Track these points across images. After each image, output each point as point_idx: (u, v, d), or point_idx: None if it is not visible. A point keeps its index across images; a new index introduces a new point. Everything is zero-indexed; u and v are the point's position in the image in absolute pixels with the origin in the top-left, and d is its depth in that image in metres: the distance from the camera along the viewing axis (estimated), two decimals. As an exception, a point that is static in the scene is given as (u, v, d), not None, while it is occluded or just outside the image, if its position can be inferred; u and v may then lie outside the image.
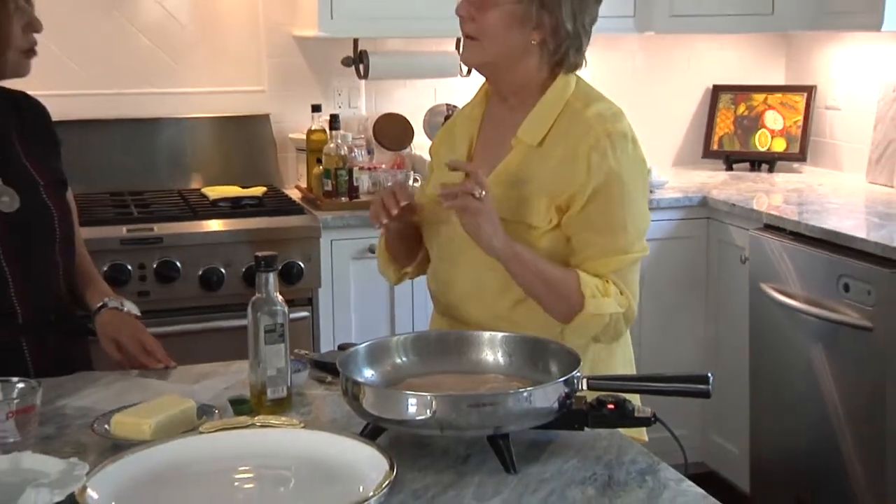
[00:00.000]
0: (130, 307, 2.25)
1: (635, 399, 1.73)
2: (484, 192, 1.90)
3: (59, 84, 3.64)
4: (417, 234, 2.19)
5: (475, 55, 2.08)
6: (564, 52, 2.04)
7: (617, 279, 2.00)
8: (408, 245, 2.20)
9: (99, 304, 2.24)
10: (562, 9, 1.99)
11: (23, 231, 2.13)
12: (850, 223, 3.37)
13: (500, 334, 1.84)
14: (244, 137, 4.04)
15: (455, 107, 4.04)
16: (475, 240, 1.95)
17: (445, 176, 2.16)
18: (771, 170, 4.42)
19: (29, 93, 2.29)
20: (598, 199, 1.99)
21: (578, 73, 2.12)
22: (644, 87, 4.46)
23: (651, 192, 2.10)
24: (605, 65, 4.24)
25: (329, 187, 3.69)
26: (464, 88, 4.10)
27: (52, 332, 2.20)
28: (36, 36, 2.11)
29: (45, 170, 2.22)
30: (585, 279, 1.97)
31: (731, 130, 4.53)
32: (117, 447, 1.62)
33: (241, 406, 1.84)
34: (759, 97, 4.51)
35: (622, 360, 2.14)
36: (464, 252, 2.06)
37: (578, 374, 1.64)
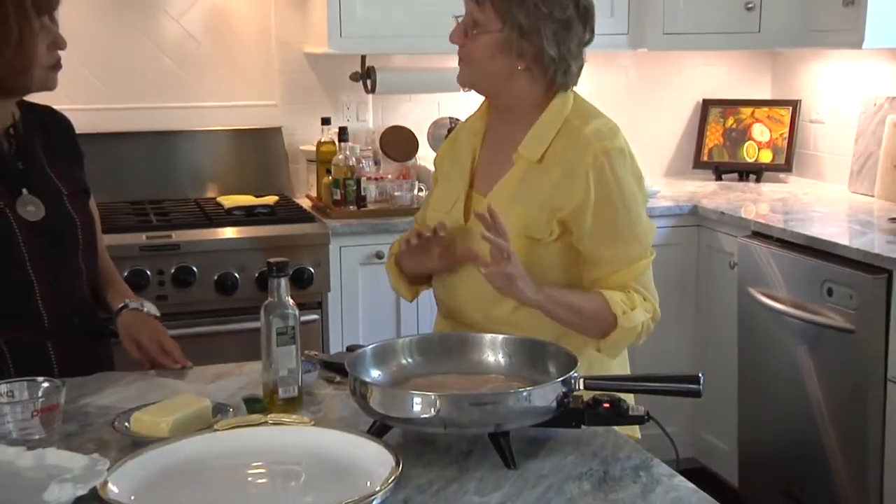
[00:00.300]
0: (150, 308, 2.25)
1: (629, 398, 1.72)
2: (512, 256, 1.89)
3: (84, 99, 3.65)
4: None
5: (465, 77, 2.09)
6: (552, 75, 2.03)
7: (637, 286, 2.02)
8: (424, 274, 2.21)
9: (120, 306, 2.24)
10: (542, 37, 1.98)
11: (48, 238, 2.13)
12: (834, 230, 3.37)
13: (500, 336, 1.84)
14: (257, 149, 4.04)
15: (458, 119, 4.05)
16: (509, 296, 1.95)
17: (448, 186, 2.16)
18: (758, 180, 4.42)
19: (56, 107, 2.29)
20: (603, 215, 1.99)
21: (575, 88, 2.11)
22: (637, 101, 4.46)
23: (646, 201, 2.10)
24: (600, 80, 4.25)
25: (338, 196, 3.69)
26: (466, 102, 4.09)
27: (76, 335, 2.20)
28: (61, 53, 2.11)
29: (68, 180, 2.22)
30: (612, 298, 1.97)
31: (720, 142, 4.53)
32: (137, 444, 1.63)
33: (254, 405, 1.84)
34: (747, 111, 4.51)
35: (618, 361, 2.14)
36: (464, 261, 2.07)
37: (575, 374, 1.64)
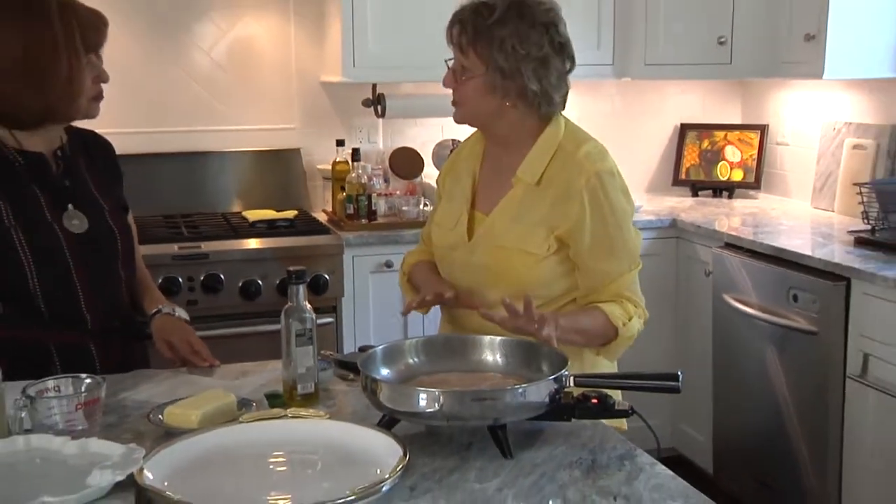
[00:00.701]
0: (181, 313, 2.25)
1: (615, 394, 1.72)
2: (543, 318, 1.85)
3: (124, 123, 3.64)
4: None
5: (460, 117, 2.08)
6: (537, 106, 2.02)
7: (630, 293, 2.02)
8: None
9: (154, 311, 2.24)
10: (523, 76, 1.97)
11: (90, 249, 2.13)
12: (798, 242, 3.37)
13: (498, 338, 1.84)
14: (278, 168, 4.04)
15: (459, 141, 4.03)
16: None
17: (451, 205, 2.15)
18: (730, 196, 4.42)
19: (99, 131, 2.29)
20: (598, 233, 1.98)
21: (566, 114, 2.10)
22: (622, 125, 4.46)
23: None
24: (588, 106, 4.26)
25: (351, 211, 3.69)
26: (466, 126, 4.11)
27: (116, 336, 2.19)
28: (103, 85, 2.12)
29: (109, 197, 2.22)
30: (612, 313, 1.97)
31: (696, 162, 4.52)
32: (169, 434, 1.62)
33: (275, 400, 1.84)
34: (720, 134, 4.51)
35: (605, 361, 2.13)
36: (468, 274, 2.07)
37: (566, 372, 1.64)
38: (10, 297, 2.07)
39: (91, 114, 2.12)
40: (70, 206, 2.12)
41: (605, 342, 2.00)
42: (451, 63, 2.06)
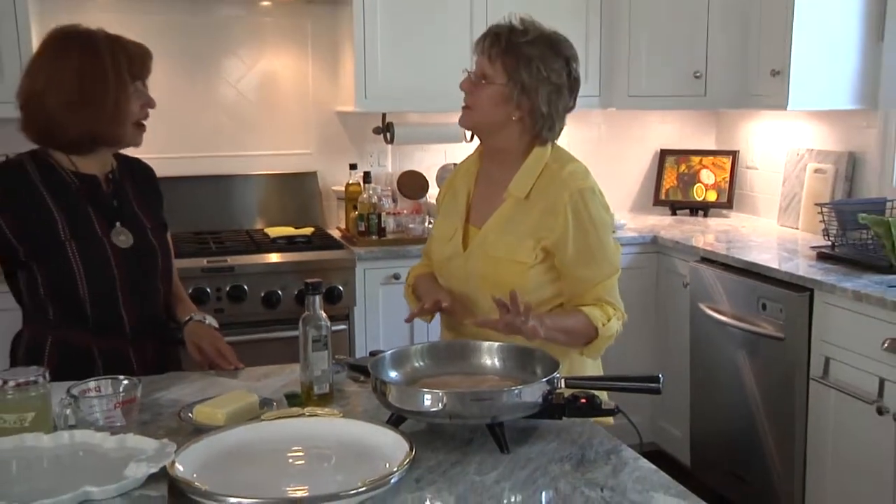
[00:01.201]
0: (211, 321, 2.26)
1: (602, 394, 1.71)
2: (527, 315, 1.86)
3: (158, 149, 3.58)
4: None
5: (466, 120, 2.08)
6: (539, 128, 2.03)
7: (610, 298, 2.02)
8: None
9: (187, 318, 2.24)
10: (538, 96, 1.98)
11: (134, 262, 2.14)
12: (767, 256, 3.36)
13: (496, 344, 1.83)
14: (297, 189, 4.05)
15: (460, 166, 4.05)
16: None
17: (448, 220, 2.15)
18: (706, 215, 4.42)
19: (139, 156, 2.31)
20: (580, 243, 1.99)
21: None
22: (607, 151, 4.46)
23: (614, 231, 2.10)
24: (577, 133, 4.27)
25: (363, 228, 3.69)
26: (467, 151, 4.10)
27: (152, 341, 2.20)
28: (150, 110, 2.15)
29: (151, 216, 2.23)
30: (592, 314, 1.98)
31: (674, 184, 4.52)
32: (198, 431, 1.62)
33: (293, 399, 1.84)
34: (696, 159, 4.51)
35: (592, 364, 2.13)
36: (464, 282, 2.07)
37: (558, 375, 1.63)
38: (62, 303, 2.09)
39: (135, 142, 2.14)
40: (117, 223, 2.14)
41: (587, 342, 2.00)
42: (470, 71, 2.05)
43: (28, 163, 2.09)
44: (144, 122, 2.13)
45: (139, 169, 2.29)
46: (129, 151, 2.22)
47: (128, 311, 2.12)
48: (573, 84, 2.04)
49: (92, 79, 2.02)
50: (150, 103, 2.12)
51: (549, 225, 1.99)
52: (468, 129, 2.13)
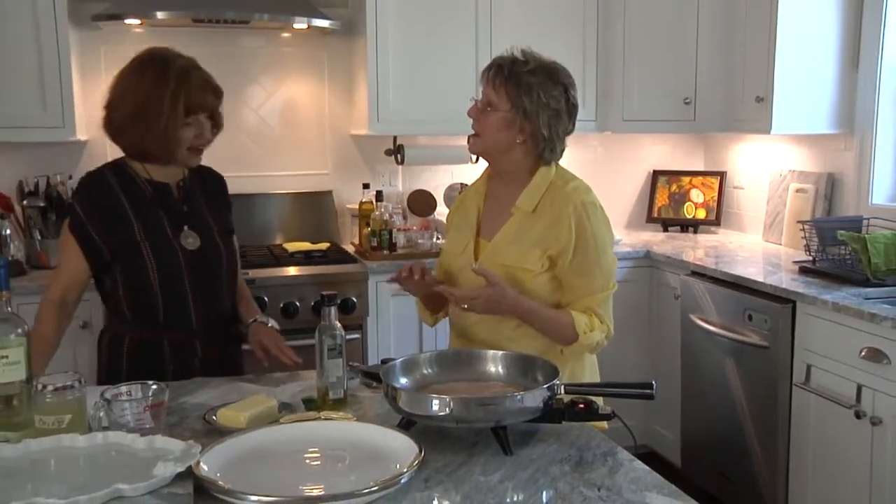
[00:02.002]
0: (273, 323, 2.28)
1: (599, 400, 1.71)
2: (501, 289, 1.95)
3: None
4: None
5: (477, 146, 2.09)
6: (541, 150, 2.05)
7: (599, 311, 2.02)
8: (435, 299, 2.20)
9: (252, 319, 2.28)
10: (539, 120, 2.00)
11: (201, 263, 2.17)
12: (752, 270, 3.36)
13: (500, 352, 1.83)
14: (314, 207, 4.05)
15: (466, 184, 4.05)
16: (499, 314, 2.00)
17: (459, 235, 2.17)
18: (695, 231, 4.41)
19: None
20: (579, 253, 2.00)
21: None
22: (603, 171, 4.47)
23: (612, 246, 2.11)
24: (575, 155, 4.26)
25: (375, 243, 3.69)
26: (473, 172, 4.12)
27: (217, 338, 2.22)
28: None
29: (218, 221, 2.27)
30: (578, 319, 1.98)
31: (666, 203, 4.52)
32: (221, 433, 1.62)
33: (310, 404, 1.83)
34: (686, 179, 4.51)
35: (590, 371, 2.13)
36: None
37: (558, 382, 1.63)
38: (137, 301, 2.14)
39: (189, 163, 2.19)
40: (186, 227, 2.17)
41: (566, 342, 2.00)
42: (478, 100, 2.07)
43: (108, 173, 2.16)
44: (201, 148, 2.17)
45: (210, 177, 2.33)
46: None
47: (196, 309, 2.16)
48: (571, 109, 2.06)
49: (151, 101, 2.07)
50: (204, 135, 2.15)
51: (554, 235, 2.00)
52: (477, 155, 2.14)
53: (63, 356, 2.26)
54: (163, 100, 2.06)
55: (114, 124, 2.12)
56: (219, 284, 2.22)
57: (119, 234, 2.11)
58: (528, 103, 1.99)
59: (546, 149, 2.04)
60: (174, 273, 2.13)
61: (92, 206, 2.12)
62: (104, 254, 2.12)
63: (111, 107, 2.12)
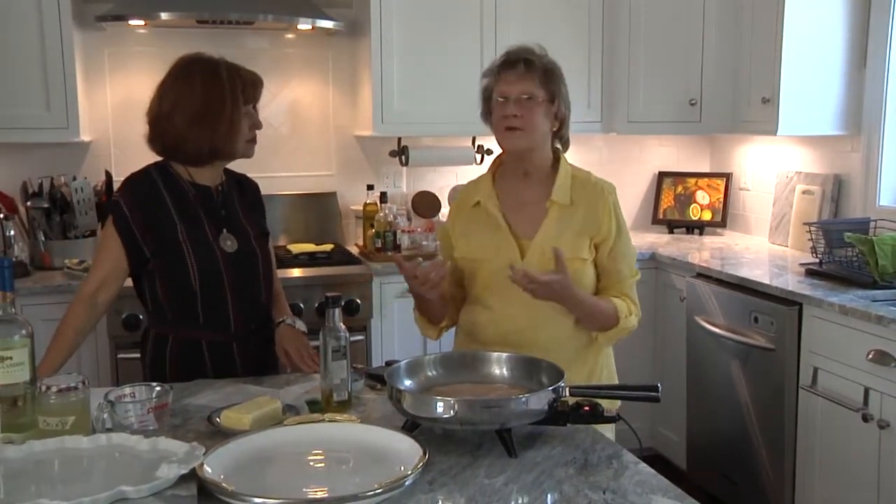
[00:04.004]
0: (300, 325, 2.29)
1: (616, 404, 1.71)
2: (568, 278, 1.99)
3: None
4: (443, 301, 2.16)
5: (523, 142, 2.07)
6: (562, 137, 2.14)
7: (633, 294, 2.14)
8: (438, 309, 2.19)
9: (279, 321, 2.28)
10: (563, 105, 2.10)
11: (238, 265, 2.20)
12: (758, 272, 3.35)
13: (504, 354, 1.83)
14: (318, 208, 4.05)
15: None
16: (556, 301, 2.02)
17: (483, 238, 2.12)
18: (701, 233, 4.40)
19: None
20: (618, 240, 2.11)
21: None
22: (608, 172, 4.31)
23: None
24: (580, 156, 4.24)
25: (379, 245, 3.70)
26: (477, 172, 4.11)
27: (255, 339, 2.24)
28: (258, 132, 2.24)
29: (254, 225, 2.30)
30: (620, 305, 2.08)
31: (672, 204, 4.52)
32: (225, 435, 1.62)
33: (314, 406, 1.84)
34: (692, 180, 4.50)
35: (607, 374, 2.21)
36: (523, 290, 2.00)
37: (562, 384, 1.63)
38: (177, 302, 2.16)
39: (247, 153, 2.23)
40: (224, 230, 2.20)
41: (605, 328, 2.08)
42: (510, 98, 2.04)
43: (154, 173, 2.19)
44: (255, 138, 2.22)
45: (246, 183, 2.37)
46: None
47: (233, 309, 2.18)
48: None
49: (212, 100, 2.11)
50: (257, 124, 2.22)
51: (595, 223, 2.09)
52: (522, 150, 2.08)
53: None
54: (224, 97, 2.12)
55: (174, 133, 2.12)
56: (256, 286, 2.24)
57: (162, 233, 2.13)
58: (557, 90, 2.07)
59: (566, 134, 2.13)
60: (214, 274, 2.16)
61: (137, 203, 2.14)
62: (145, 252, 2.14)
63: (165, 119, 2.13)
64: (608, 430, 1.92)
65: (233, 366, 2.17)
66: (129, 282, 2.20)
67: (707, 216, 4.43)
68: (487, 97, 2.12)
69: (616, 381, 2.22)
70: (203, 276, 2.14)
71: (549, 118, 2.07)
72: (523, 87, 2.04)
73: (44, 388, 1.57)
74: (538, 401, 1.57)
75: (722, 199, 4.40)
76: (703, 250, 3.95)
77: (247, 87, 2.17)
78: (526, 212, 2.11)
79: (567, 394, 1.65)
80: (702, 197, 4.46)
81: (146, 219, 2.13)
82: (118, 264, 2.15)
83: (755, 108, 3.69)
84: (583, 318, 2.08)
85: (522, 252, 2.09)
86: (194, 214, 2.17)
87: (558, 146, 2.15)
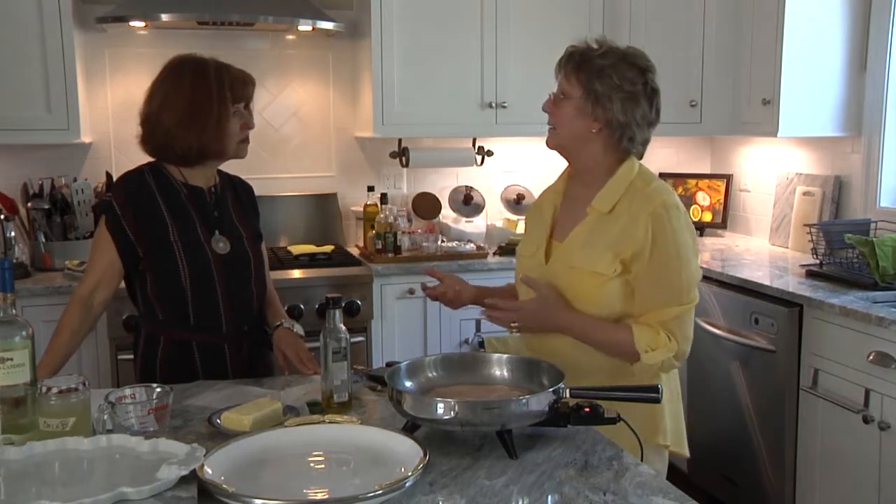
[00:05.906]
0: (298, 329, 2.27)
1: (604, 404, 1.70)
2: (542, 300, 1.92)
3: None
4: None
5: (553, 141, 2.01)
6: (619, 138, 1.95)
7: (673, 326, 1.89)
8: None
9: (276, 324, 2.27)
10: (612, 105, 1.91)
11: (230, 268, 2.19)
12: (759, 274, 3.35)
13: (504, 356, 1.82)
14: (318, 209, 4.06)
15: (472, 188, 4.06)
16: (547, 329, 1.95)
17: (531, 237, 2.11)
18: (701, 235, 4.40)
19: None
20: (656, 258, 1.88)
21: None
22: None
23: (696, 255, 1.97)
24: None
25: (380, 246, 3.70)
26: (477, 174, 4.12)
27: (245, 341, 2.23)
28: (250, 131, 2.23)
29: (247, 227, 2.29)
30: (638, 336, 1.87)
31: (671, 206, 4.51)
32: (225, 436, 1.62)
33: (314, 407, 1.84)
34: (693, 182, 4.50)
35: (664, 377, 2.05)
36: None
37: (563, 385, 1.63)
38: (168, 302, 2.15)
39: (240, 154, 2.22)
40: (217, 231, 2.19)
41: (630, 359, 1.88)
42: (553, 93, 2.01)
43: (147, 173, 2.19)
44: (248, 138, 2.21)
45: (240, 185, 2.37)
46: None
47: (225, 311, 2.18)
48: (651, 93, 1.95)
49: (199, 99, 2.11)
50: (249, 124, 2.20)
51: (630, 237, 1.89)
52: (554, 149, 2.03)
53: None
54: (211, 97, 2.11)
55: (162, 133, 2.12)
56: (248, 289, 2.24)
57: (154, 232, 2.13)
58: (600, 87, 1.91)
59: (624, 137, 1.94)
60: (205, 276, 2.15)
61: (129, 203, 2.14)
62: (138, 252, 2.14)
63: (154, 118, 2.13)
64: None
65: (224, 368, 2.17)
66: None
67: (707, 217, 4.43)
68: None
69: (681, 415, 2.14)
70: (194, 277, 2.14)
71: (586, 118, 1.93)
72: (560, 85, 1.98)
73: (44, 389, 1.56)
74: (538, 402, 1.57)
75: (722, 201, 4.40)
76: (703, 252, 3.95)
77: (235, 85, 2.15)
78: (573, 214, 2.03)
79: (567, 395, 1.64)
80: (702, 198, 4.46)
81: (137, 218, 2.13)
82: (112, 264, 2.15)
83: (755, 110, 3.69)
84: (592, 346, 1.91)
85: (548, 255, 2.05)
86: (186, 215, 2.17)
87: (630, 149, 1.98)
